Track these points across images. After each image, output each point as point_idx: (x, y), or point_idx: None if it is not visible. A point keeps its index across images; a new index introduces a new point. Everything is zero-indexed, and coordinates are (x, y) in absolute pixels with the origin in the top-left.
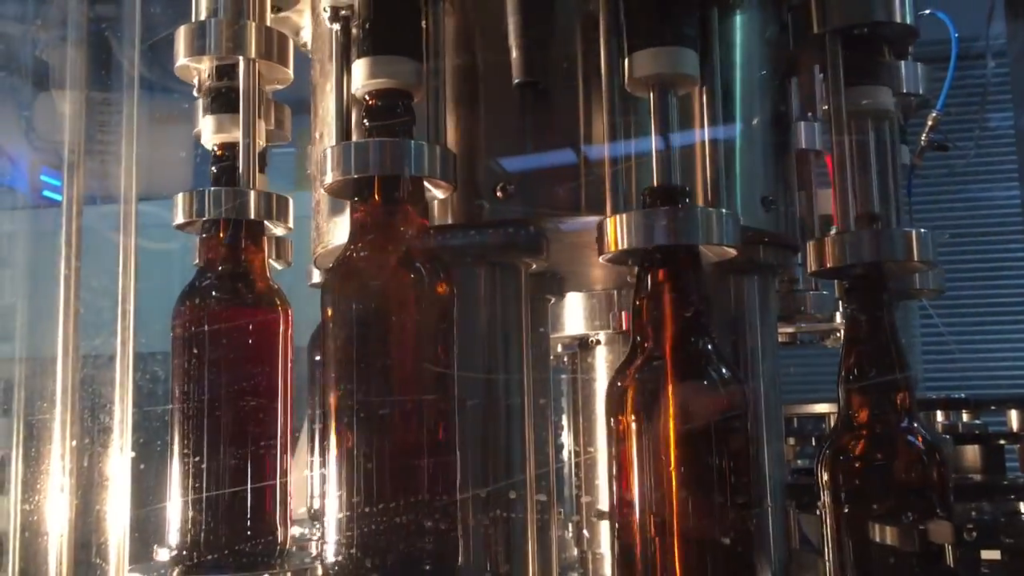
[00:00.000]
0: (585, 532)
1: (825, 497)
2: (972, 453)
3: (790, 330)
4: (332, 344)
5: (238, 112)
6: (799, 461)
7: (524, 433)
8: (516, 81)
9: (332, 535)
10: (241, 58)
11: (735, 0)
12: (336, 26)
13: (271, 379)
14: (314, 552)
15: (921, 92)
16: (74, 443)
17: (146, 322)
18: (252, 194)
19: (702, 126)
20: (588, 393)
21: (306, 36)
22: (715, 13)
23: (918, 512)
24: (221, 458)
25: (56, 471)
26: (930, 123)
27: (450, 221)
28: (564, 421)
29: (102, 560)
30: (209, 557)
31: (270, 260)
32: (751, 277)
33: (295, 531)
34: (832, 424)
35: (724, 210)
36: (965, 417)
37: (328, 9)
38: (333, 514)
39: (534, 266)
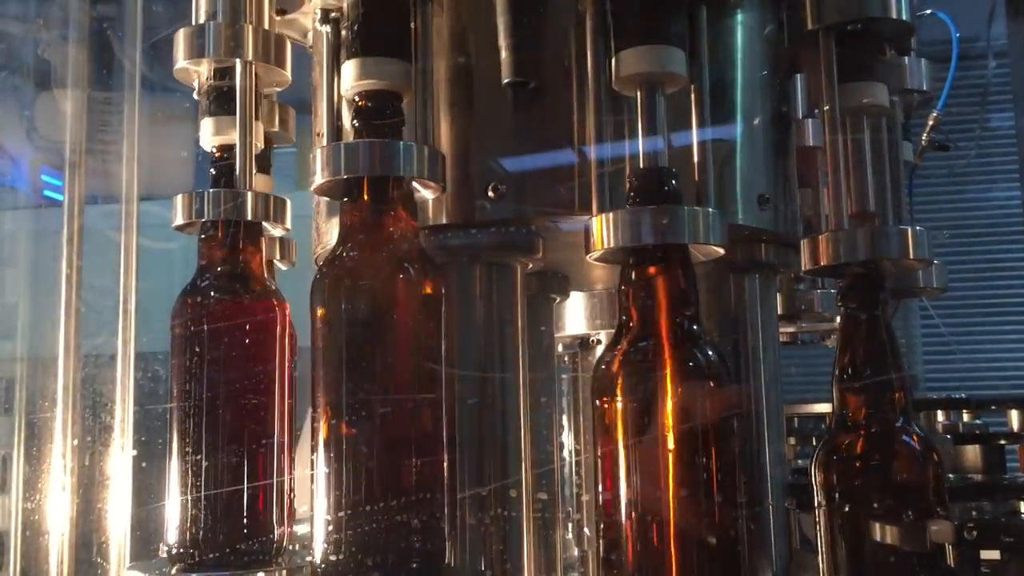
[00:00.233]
0: (586, 531)
1: (819, 497)
2: (972, 453)
3: (791, 330)
4: (321, 344)
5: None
6: (799, 461)
7: (520, 432)
8: (506, 81)
9: (319, 534)
10: (238, 61)
11: None
12: (326, 28)
13: (269, 378)
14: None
15: (925, 88)
16: (75, 442)
17: (147, 321)
18: (249, 196)
19: (692, 125)
20: (589, 393)
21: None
22: (703, 11)
23: (913, 512)
24: (219, 457)
25: (57, 470)
26: (931, 123)
27: (445, 221)
28: (564, 420)
29: (103, 559)
30: (207, 555)
31: (275, 261)
32: (752, 276)
33: (299, 529)
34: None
35: (711, 209)
36: (965, 417)
37: (318, 11)
38: (320, 513)
39: (531, 266)
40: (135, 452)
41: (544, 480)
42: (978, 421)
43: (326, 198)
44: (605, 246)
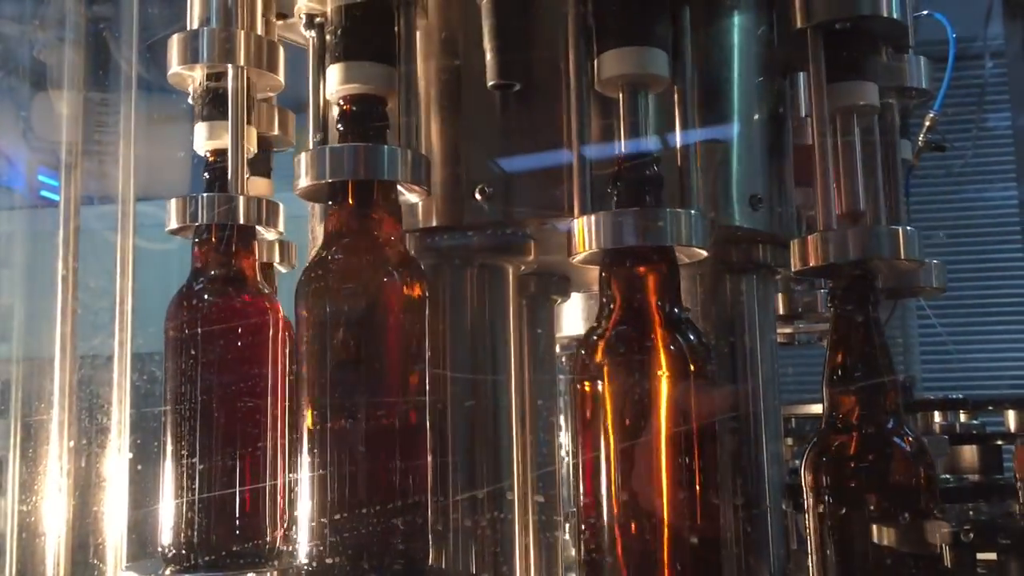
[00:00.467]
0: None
1: (808, 498)
2: (969, 453)
3: (788, 330)
4: (305, 347)
5: None
6: (797, 462)
7: (512, 434)
8: (491, 83)
9: (304, 535)
10: (230, 66)
11: None
12: (311, 33)
13: (262, 381)
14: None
15: (924, 87)
16: (72, 444)
17: (144, 322)
18: (242, 200)
19: (677, 126)
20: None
21: None
22: (687, 12)
23: (904, 513)
24: (212, 459)
25: (53, 472)
26: (928, 123)
27: (435, 223)
28: (561, 421)
29: (99, 561)
30: (201, 557)
31: (275, 264)
32: (748, 276)
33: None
34: None
35: (692, 211)
36: (962, 417)
37: (303, 16)
38: (304, 514)
39: (523, 268)
40: (131, 454)
41: (543, 481)
42: (975, 421)
43: None
44: (587, 249)
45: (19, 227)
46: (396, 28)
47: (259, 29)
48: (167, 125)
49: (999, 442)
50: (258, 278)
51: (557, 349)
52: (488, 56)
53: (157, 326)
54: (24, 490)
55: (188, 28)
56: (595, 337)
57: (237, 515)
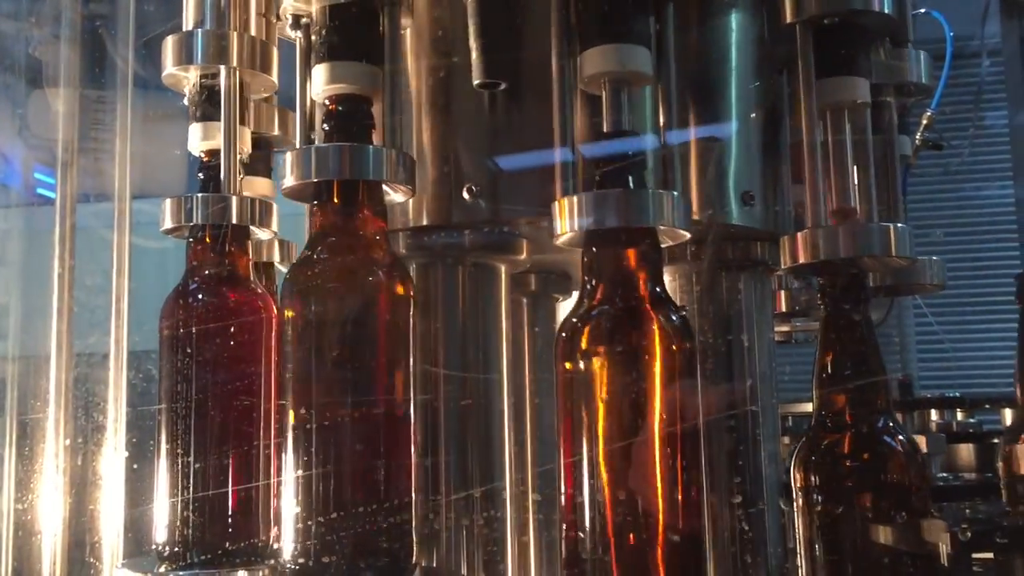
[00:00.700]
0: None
1: (798, 497)
2: (966, 451)
3: (785, 328)
4: (290, 346)
5: None
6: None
7: (504, 433)
8: (476, 83)
9: (287, 534)
10: (223, 67)
11: None
12: (298, 33)
13: (256, 380)
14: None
15: (924, 81)
16: (67, 442)
17: (140, 320)
18: (235, 200)
19: (662, 122)
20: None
21: None
22: (670, 9)
23: (892, 513)
24: (206, 457)
25: (50, 470)
26: (925, 122)
27: (425, 222)
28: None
29: (96, 559)
30: (197, 556)
31: (276, 263)
32: (744, 274)
33: None
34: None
35: (675, 192)
36: (959, 415)
37: (289, 17)
38: (288, 512)
39: (516, 267)
40: (127, 452)
41: (544, 479)
42: (972, 420)
43: None
44: (569, 230)
45: (15, 225)
46: (381, 28)
47: (253, 30)
48: (163, 123)
49: (996, 440)
50: (252, 277)
51: None
52: (473, 55)
53: (153, 324)
54: (20, 488)
55: (183, 29)
56: (575, 320)
57: (232, 513)
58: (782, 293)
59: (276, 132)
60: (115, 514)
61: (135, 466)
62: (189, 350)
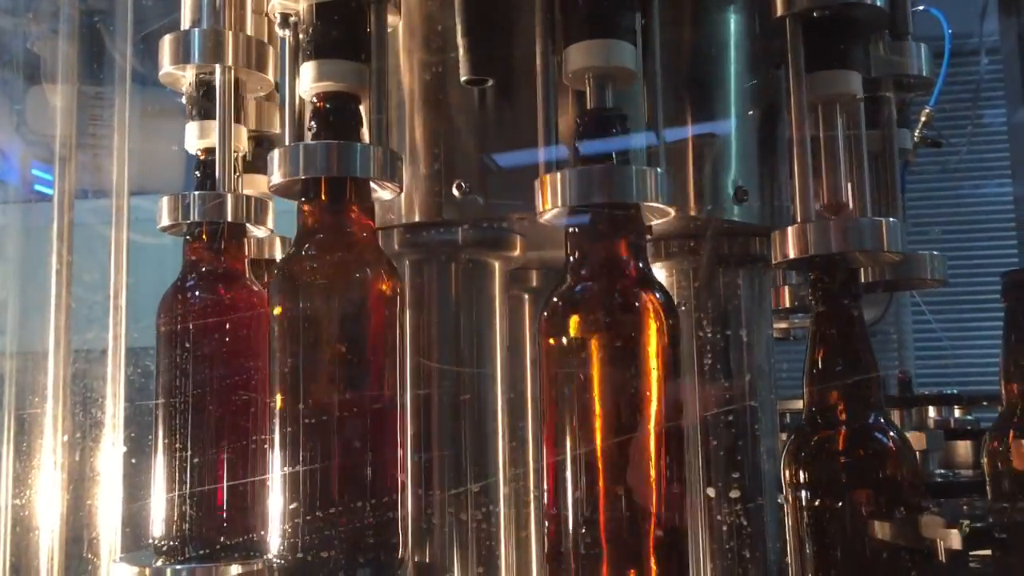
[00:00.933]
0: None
1: (787, 493)
2: (964, 449)
3: (783, 325)
4: (277, 343)
5: None
6: None
7: (499, 429)
8: (463, 79)
9: (274, 529)
10: (218, 66)
11: None
12: (286, 32)
13: (253, 376)
14: None
15: (925, 74)
16: (66, 438)
17: (138, 316)
18: (231, 198)
19: (648, 118)
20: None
21: None
22: (656, 3)
23: (883, 509)
24: (203, 452)
25: (47, 466)
26: (923, 119)
27: (417, 219)
28: None
29: (93, 555)
30: (193, 549)
31: (277, 259)
32: (742, 269)
33: None
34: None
35: (659, 169)
36: (957, 413)
37: (277, 15)
38: (276, 508)
39: (512, 263)
40: (125, 448)
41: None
42: (969, 417)
43: None
44: (551, 206)
45: (13, 221)
46: (368, 26)
47: (250, 29)
48: (162, 119)
49: None
50: (248, 274)
51: None
52: (460, 52)
53: (151, 320)
54: (18, 484)
55: (180, 28)
56: (558, 297)
57: (229, 508)
58: (786, 289)
59: (279, 130)
60: (113, 509)
61: (133, 461)
62: (186, 346)
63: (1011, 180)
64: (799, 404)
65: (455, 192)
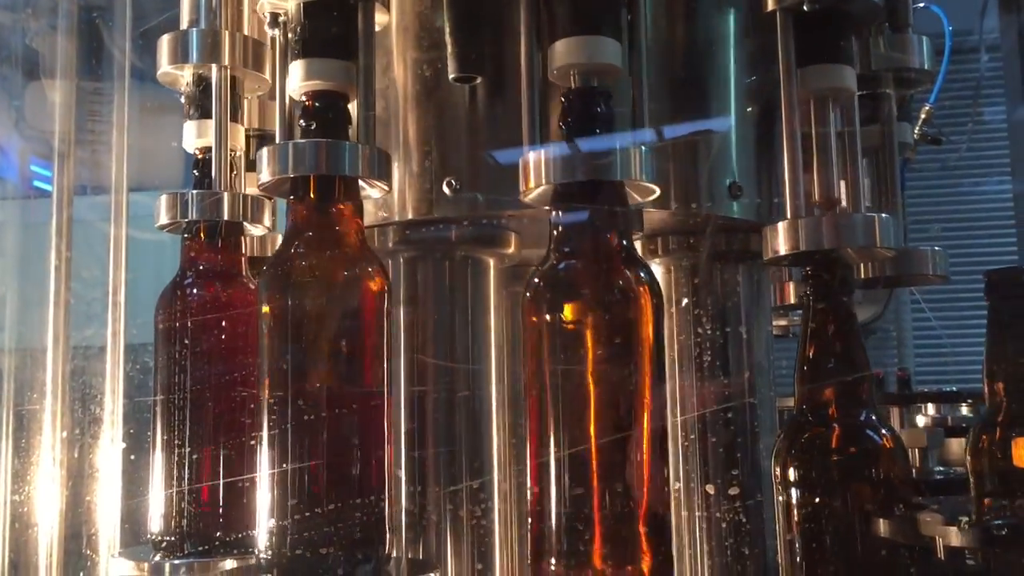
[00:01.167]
0: None
1: (777, 490)
2: (962, 446)
3: (782, 323)
4: (266, 341)
5: None
6: None
7: (493, 425)
8: (451, 76)
9: (262, 523)
10: (214, 65)
11: None
12: (275, 31)
13: (250, 373)
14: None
15: (927, 67)
16: (64, 434)
17: (137, 312)
18: (228, 196)
19: (636, 115)
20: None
21: None
22: (643, 1)
23: (873, 506)
24: (201, 449)
25: (46, 462)
26: (923, 116)
27: (409, 216)
28: None
29: (92, 551)
30: (192, 545)
31: None
32: (741, 266)
33: None
34: None
35: (643, 147)
36: (964, 410)
37: (267, 14)
38: (263, 504)
39: (507, 260)
40: (124, 444)
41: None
42: (968, 414)
43: None
44: (535, 184)
45: (12, 217)
46: (357, 24)
47: (247, 28)
48: (161, 115)
49: None
50: (245, 272)
51: None
52: (448, 50)
53: (150, 316)
54: (16, 480)
55: (179, 27)
56: (540, 276)
57: (226, 504)
58: (790, 285)
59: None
60: (112, 505)
61: (132, 457)
62: (184, 343)
63: (1011, 177)
64: None
65: (446, 189)
